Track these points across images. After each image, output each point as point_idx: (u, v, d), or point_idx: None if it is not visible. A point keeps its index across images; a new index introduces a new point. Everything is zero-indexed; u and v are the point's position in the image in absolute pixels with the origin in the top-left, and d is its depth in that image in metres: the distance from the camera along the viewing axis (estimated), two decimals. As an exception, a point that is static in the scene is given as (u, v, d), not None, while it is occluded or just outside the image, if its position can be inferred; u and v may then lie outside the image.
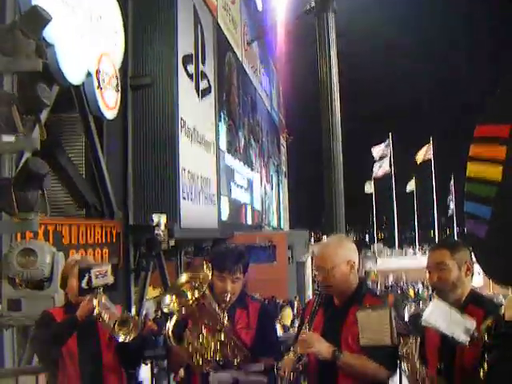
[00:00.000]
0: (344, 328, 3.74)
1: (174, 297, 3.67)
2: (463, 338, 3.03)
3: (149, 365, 5.98)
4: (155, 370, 6.51)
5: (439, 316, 3.17)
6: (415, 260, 46.88)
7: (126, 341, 3.78)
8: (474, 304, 3.40)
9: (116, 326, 3.77)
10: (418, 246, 61.65)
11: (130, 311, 12.49)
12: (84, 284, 3.83)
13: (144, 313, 16.52)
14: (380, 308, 3.47)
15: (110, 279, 3.89)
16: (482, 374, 2.70)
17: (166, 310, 3.74)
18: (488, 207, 2.74)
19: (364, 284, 4.03)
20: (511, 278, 2.58)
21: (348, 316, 3.74)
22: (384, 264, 48.93)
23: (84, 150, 14.85)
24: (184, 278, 3.75)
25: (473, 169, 2.95)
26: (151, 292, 17.04)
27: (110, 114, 13.71)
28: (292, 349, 3.66)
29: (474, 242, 2.87)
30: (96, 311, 3.83)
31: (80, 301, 3.91)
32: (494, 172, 2.70)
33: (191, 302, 3.56)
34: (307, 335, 3.65)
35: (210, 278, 3.63)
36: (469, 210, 2.97)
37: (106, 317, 3.83)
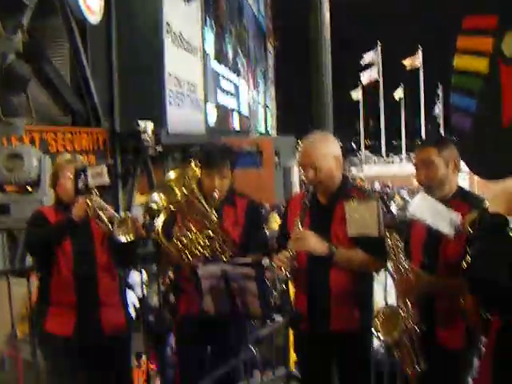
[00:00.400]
0: (333, 225, 3.78)
1: (162, 194, 3.69)
2: (448, 231, 3.08)
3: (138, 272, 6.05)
4: (144, 276, 6.61)
5: (425, 208, 3.21)
6: (402, 167, 47.08)
7: (127, 241, 3.78)
8: (460, 200, 3.44)
9: (115, 226, 3.77)
10: (404, 154, 61.72)
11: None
12: (80, 184, 3.81)
13: (132, 218, 16.61)
14: (368, 200, 3.53)
15: (106, 180, 3.86)
16: (464, 265, 2.75)
17: (154, 207, 3.76)
18: (472, 99, 2.72)
19: (348, 179, 4.05)
20: (492, 171, 2.59)
21: (335, 212, 3.79)
22: (370, 171, 49.18)
23: (68, 57, 14.58)
24: (173, 174, 3.77)
25: (460, 61, 2.92)
26: (139, 198, 17.06)
27: (93, 18, 13.42)
28: (287, 247, 3.65)
29: (459, 134, 2.86)
30: (91, 212, 3.83)
31: (71, 200, 3.91)
32: (480, 64, 2.68)
33: (179, 197, 3.57)
34: (302, 233, 3.65)
35: (198, 174, 3.64)
36: (455, 102, 2.95)
37: (103, 217, 3.84)
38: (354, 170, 50.72)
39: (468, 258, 2.60)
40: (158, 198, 3.69)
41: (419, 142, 3.69)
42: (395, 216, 3.59)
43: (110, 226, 3.81)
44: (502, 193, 2.60)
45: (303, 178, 3.81)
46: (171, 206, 3.65)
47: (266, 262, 3.79)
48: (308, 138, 3.84)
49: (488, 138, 2.54)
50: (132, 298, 9.34)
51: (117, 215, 3.83)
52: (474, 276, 2.42)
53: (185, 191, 3.59)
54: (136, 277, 9.25)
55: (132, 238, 3.79)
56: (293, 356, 5.77)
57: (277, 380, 5.85)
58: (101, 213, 3.84)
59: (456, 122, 2.95)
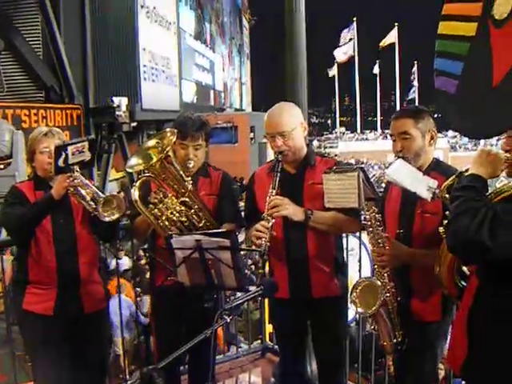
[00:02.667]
0: (304, 192, 3.78)
1: (139, 159, 3.68)
2: (426, 195, 3.10)
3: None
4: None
5: (403, 173, 3.22)
6: (377, 144, 47.31)
7: (111, 220, 3.76)
8: (435, 171, 3.41)
9: (100, 206, 3.73)
10: (379, 131, 61.99)
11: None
12: (60, 162, 3.73)
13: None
14: (348, 170, 3.48)
15: (87, 155, 3.81)
16: (441, 229, 2.79)
17: (130, 170, 3.74)
18: (460, 63, 2.73)
19: (311, 147, 4.03)
20: (481, 130, 2.62)
21: (305, 180, 3.79)
22: (345, 147, 49.36)
23: (41, 31, 14.42)
24: (151, 142, 3.76)
25: (445, 27, 2.91)
26: (114, 174, 17.05)
27: (66, -8, 13.30)
28: (263, 215, 3.63)
29: (444, 98, 2.87)
30: (72, 190, 3.79)
31: (48, 175, 3.87)
32: (468, 29, 2.68)
33: (155, 162, 3.57)
34: (279, 199, 3.64)
35: (173, 141, 3.63)
36: (439, 68, 2.95)
37: (84, 193, 3.80)
38: (329, 146, 51.01)
39: (444, 221, 2.64)
40: (135, 163, 3.67)
41: (395, 114, 3.66)
42: (375, 188, 3.59)
43: (93, 204, 3.78)
44: (483, 156, 2.65)
45: (271, 140, 3.76)
46: (147, 173, 3.64)
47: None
48: (273, 108, 3.85)
49: (476, 98, 2.55)
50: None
51: (101, 194, 3.79)
52: (452, 233, 2.46)
53: (160, 155, 3.58)
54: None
55: (116, 217, 3.77)
56: (268, 329, 5.86)
57: (253, 352, 5.91)
58: (82, 190, 3.80)
59: (440, 85, 2.95)
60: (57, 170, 3.74)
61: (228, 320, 2.71)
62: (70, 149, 3.72)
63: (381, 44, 59.97)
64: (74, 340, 3.95)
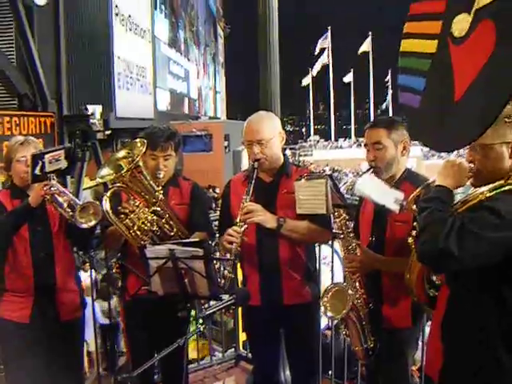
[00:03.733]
0: (278, 201, 3.83)
1: (110, 170, 3.70)
2: (393, 207, 3.18)
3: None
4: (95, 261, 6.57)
5: (371, 186, 3.33)
6: (351, 152, 47.52)
7: (88, 226, 3.76)
8: (408, 181, 3.49)
9: (77, 213, 3.73)
10: (353, 139, 62.30)
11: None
12: (37, 170, 3.73)
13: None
14: (317, 178, 3.57)
15: (64, 164, 3.82)
16: (410, 240, 2.85)
17: (100, 181, 3.76)
18: (422, 78, 2.79)
19: (287, 157, 4.09)
20: (444, 144, 2.69)
21: (279, 189, 3.85)
22: (320, 155, 49.53)
23: (15, 38, 14.34)
24: (121, 153, 3.79)
25: (407, 44, 2.98)
26: (88, 183, 16.93)
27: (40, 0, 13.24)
28: (236, 221, 3.69)
29: (409, 113, 2.94)
30: (49, 198, 3.79)
31: (26, 184, 3.87)
32: (429, 46, 2.75)
33: (125, 172, 3.59)
34: (252, 205, 3.69)
35: (143, 151, 3.66)
36: (403, 83, 3.01)
37: (61, 201, 3.80)
38: (304, 154, 51.13)
39: (413, 232, 2.70)
40: (105, 173, 3.69)
41: (370, 124, 3.74)
42: (344, 195, 3.66)
43: (70, 212, 3.79)
44: (447, 167, 2.72)
45: (249, 148, 3.80)
46: (118, 183, 3.66)
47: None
48: (253, 116, 3.90)
49: (439, 113, 2.62)
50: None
51: (78, 201, 3.80)
52: (421, 243, 2.52)
53: (131, 167, 3.61)
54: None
55: (93, 224, 3.78)
56: (242, 337, 5.88)
57: (227, 361, 5.93)
58: (59, 198, 3.81)
59: (404, 100, 3.01)
60: (33, 179, 3.76)
61: (202, 329, 2.75)
62: (47, 157, 3.74)
63: (360, 52, 60.37)
64: (49, 348, 3.95)
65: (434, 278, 3.04)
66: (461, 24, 2.45)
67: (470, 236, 2.36)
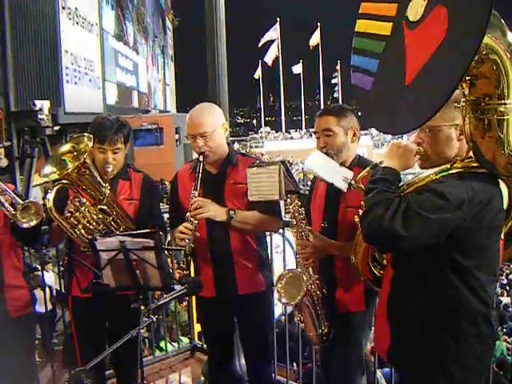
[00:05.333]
0: (225, 193, 3.83)
1: (54, 167, 3.64)
2: (342, 185, 3.22)
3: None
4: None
5: (320, 164, 3.35)
6: (302, 142, 47.72)
7: (29, 226, 3.72)
8: (359, 166, 3.50)
9: (18, 212, 3.69)
10: (304, 130, 62.57)
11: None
12: None
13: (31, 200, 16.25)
14: (270, 164, 3.60)
15: (4, 162, 3.79)
16: (356, 219, 2.89)
17: (44, 180, 3.70)
18: (376, 60, 2.81)
19: (232, 146, 4.08)
20: (394, 127, 2.73)
21: (227, 179, 3.84)
22: (271, 147, 49.64)
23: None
24: (65, 147, 3.71)
25: (362, 25, 2.99)
26: (37, 179, 16.71)
27: (-16, -7, 13.01)
28: (186, 217, 3.65)
29: (360, 94, 2.96)
30: None
31: None
32: (383, 28, 2.77)
33: (71, 170, 3.53)
34: (201, 200, 3.67)
35: (90, 147, 3.60)
36: (355, 64, 3.01)
37: (3, 200, 3.75)
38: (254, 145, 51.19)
39: (360, 211, 2.74)
40: (49, 171, 3.63)
41: (319, 112, 3.78)
42: (296, 181, 3.68)
43: (12, 210, 3.74)
44: (394, 149, 2.77)
45: (192, 142, 3.79)
46: (63, 180, 3.61)
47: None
48: (194, 109, 3.87)
49: (390, 96, 2.65)
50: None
51: (20, 201, 3.75)
52: (367, 223, 2.56)
53: (76, 163, 3.55)
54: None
55: (34, 223, 3.73)
56: (197, 328, 5.89)
57: (182, 352, 5.94)
58: (1, 197, 3.76)
59: (356, 81, 3.03)
60: None
61: (154, 319, 2.75)
62: None
63: (310, 44, 60.52)
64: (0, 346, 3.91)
65: (378, 256, 3.10)
66: (416, 8, 2.48)
67: (416, 217, 2.41)
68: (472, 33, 2.09)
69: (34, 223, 3.70)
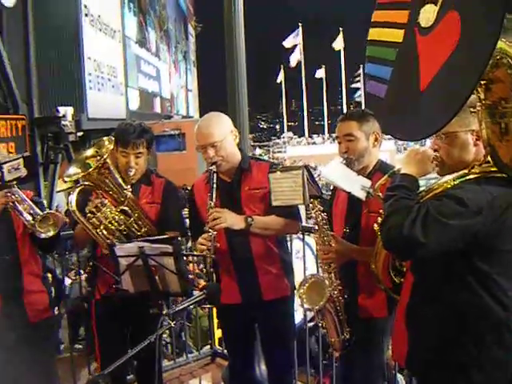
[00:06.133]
0: (242, 199, 3.85)
1: (77, 169, 3.69)
2: (360, 194, 3.23)
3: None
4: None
5: (338, 173, 3.37)
6: (324, 147, 47.55)
7: (47, 237, 3.77)
8: (380, 172, 3.50)
9: (37, 223, 3.74)
10: (326, 134, 62.38)
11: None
12: None
13: (55, 205, 16.40)
14: (293, 169, 3.58)
15: (23, 171, 3.82)
16: (376, 227, 2.88)
17: (67, 180, 3.74)
18: (389, 68, 2.81)
19: (244, 152, 4.07)
20: (410, 133, 2.72)
21: (241, 187, 3.85)
22: (294, 152, 49.51)
23: (-17, 41, 14.22)
24: (89, 151, 3.78)
25: (375, 33, 2.99)
26: (61, 185, 16.82)
27: (8, 1, 13.14)
28: (205, 229, 3.66)
29: (375, 102, 2.96)
30: (11, 206, 3.78)
31: None
32: (395, 35, 2.77)
33: (92, 170, 3.58)
34: (217, 211, 3.68)
35: (110, 149, 3.65)
36: (369, 72, 3.02)
37: (22, 209, 3.80)
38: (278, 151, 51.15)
39: (379, 218, 2.73)
40: (73, 173, 3.69)
41: (341, 117, 3.78)
42: (319, 186, 3.68)
43: (31, 219, 3.78)
44: (412, 155, 2.76)
45: (203, 152, 3.80)
46: (86, 182, 3.66)
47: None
48: (201, 120, 3.88)
49: (405, 102, 2.64)
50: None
51: (38, 211, 3.80)
52: (386, 231, 2.55)
53: (98, 165, 3.60)
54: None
55: (52, 234, 3.78)
56: (218, 334, 5.89)
57: (203, 358, 5.94)
58: (20, 206, 3.81)
59: (371, 89, 3.03)
60: None
61: (172, 325, 2.76)
62: (6, 167, 3.74)
63: (334, 47, 60.31)
64: (20, 351, 3.93)
65: (398, 264, 3.09)
66: (428, 14, 2.47)
67: (435, 224, 2.40)
68: (485, 37, 2.08)
69: (51, 233, 3.76)
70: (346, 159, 3.56)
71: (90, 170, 3.61)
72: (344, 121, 3.71)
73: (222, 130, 3.78)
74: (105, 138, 3.75)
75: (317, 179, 3.70)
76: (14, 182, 3.78)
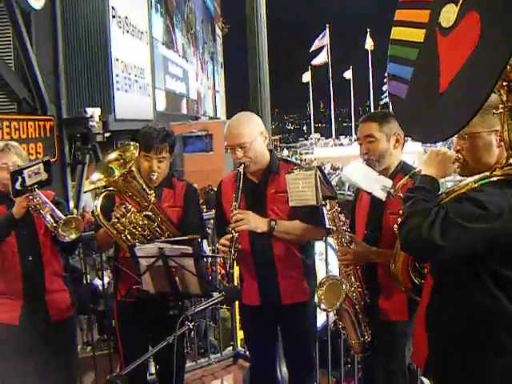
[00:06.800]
0: (267, 202, 3.83)
1: (101, 174, 3.71)
2: (380, 194, 3.20)
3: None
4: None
5: (358, 173, 3.35)
6: (352, 148, 47.37)
7: (69, 240, 3.80)
8: (402, 173, 3.45)
9: (60, 226, 3.77)
10: (354, 136, 62.24)
11: (68, 205, 12.45)
12: (18, 185, 3.75)
13: (82, 205, 16.53)
14: (306, 169, 3.57)
15: (44, 176, 3.84)
16: (396, 228, 2.86)
17: (92, 187, 3.76)
18: (410, 68, 2.79)
19: (273, 154, 4.03)
20: (429, 134, 2.70)
21: (268, 189, 3.84)
22: (321, 153, 49.40)
23: (12, 43, 14.37)
24: (113, 155, 3.78)
25: (397, 32, 2.98)
26: (88, 185, 16.96)
27: (37, 4, 13.27)
28: (227, 229, 3.66)
29: (396, 102, 2.94)
30: (32, 209, 3.82)
31: (8, 189, 3.88)
32: (417, 35, 2.74)
33: (117, 177, 3.59)
34: (242, 213, 3.67)
35: (136, 155, 3.66)
36: (391, 72, 3.00)
37: (44, 212, 3.82)
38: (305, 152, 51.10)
39: (399, 219, 2.71)
40: (97, 178, 3.70)
41: (362, 118, 3.76)
42: (333, 186, 3.65)
43: (53, 222, 3.81)
44: (433, 157, 2.73)
45: (231, 152, 3.79)
46: (110, 187, 3.66)
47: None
48: (232, 120, 3.87)
49: (425, 103, 2.62)
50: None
51: (59, 214, 3.83)
52: (405, 233, 2.53)
53: (123, 171, 3.61)
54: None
55: (74, 237, 3.81)
56: (240, 336, 5.89)
57: (225, 359, 5.94)
58: (42, 209, 3.84)
59: (392, 89, 3.01)
60: (15, 194, 3.79)
61: (191, 326, 2.76)
62: (26, 172, 3.76)
63: (367, 47, 60.17)
64: (41, 349, 3.97)
65: (418, 265, 3.06)
66: (448, 15, 2.45)
67: (454, 226, 2.36)
68: (505, 38, 2.05)
69: (73, 236, 3.81)
70: (367, 160, 3.55)
71: (116, 177, 3.61)
72: (365, 122, 3.69)
73: (252, 130, 3.77)
74: (131, 143, 3.74)
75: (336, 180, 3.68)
76: (35, 186, 3.81)
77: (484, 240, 2.40)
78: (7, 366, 3.96)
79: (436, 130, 2.56)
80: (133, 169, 3.63)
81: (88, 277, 5.87)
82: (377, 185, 3.22)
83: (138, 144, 3.74)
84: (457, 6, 2.41)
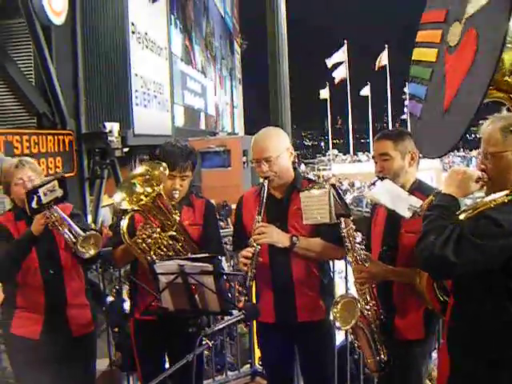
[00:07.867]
0: (289, 218, 3.83)
1: (124, 194, 3.69)
2: (406, 213, 3.15)
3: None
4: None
5: (385, 192, 3.31)
6: (369, 165, 47.23)
7: (89, 256, 3.80)
8: (419, 191, 3.46)
9: (79, 243, 3.78)
10: (372, 152, 62.18)
11: (86, 220, 12.49)
12: (34, 204, 3.77)
13: (100, 220, 16.57)
14: (320, 187, 3.56)
15: (59, 192, 3.86)
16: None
17: (117, 207, 3.75)
18: (425, 87, 2.82)
19: (298, 171, 4.05)
20: (436, 152, 2.71)
21: (291, 205, 3.84)
22: (339, 169, 49.34)
23: (33, 57, 14.48)
24: (140, 170, 3.77)
25: (416, 53, 3.03)
26: (107, 200, 17.00)
27: (57, 20, 13.36)
28: (249, 242, 3.68)
29: (413, 121, 2.97)
30: (51, 225, 3.83)
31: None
32: (431, 54, 2.78)
33: (146, 199, 3.59)
34: (264, 226, 3.68)
35: (166, 176, 3.65)
36: (411, 92, 3.04)
37: (62, 228, 3.83)
38: (323, 168, 51.06)
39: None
40: (120, 199, 3.69)
41: (377, 136, 3.77)
42: (348, 204, 3.64)
43: (73, 238, 3.82)
44: (454, 176, 2.72)
45: (257, 166, 3.78)
46: (135, 206, 3.65)
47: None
48: (259, 134, 3.87)
49: (433, 122, 2.66)
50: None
51: (78, 230, 3.83)
52: (420, 250, 2.52)
53: (149, 190, 3.60)
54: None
55: (93, 253, 3.81)
56: (258, 353, 5.86)
57: (242, 377, 5.91)
58: (60, 226, 3.84)
59: (411, 109, 3.05)
60: (32, 212, 3.82)
61: (210, 344, 2.74)
62: (41, 190, 3.79)
63: (377, 65, 60.17)
64: (61, 364, 3.96)
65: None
66: (454, 33, 2.49)
67: (468, 244, 2.38)
68: (495, 46, 2.08)
69: (92, 252, 3.82)
70: (381, 178, 3.53)
71: (145, 201, 3.61)
72: (379, 140, 3.70)
73: (279, 145, 3.78)
74: (162, 164, 3.71)
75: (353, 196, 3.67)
76: (52, 203, 3.81)
77: (499, 257, 2.42)
78: (25, 380, 3.96)
79: (440, 148, 2.58)
80: (161, 192, 3.63)
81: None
82: (403, 203, 3.19)
83: (165, 165, 3.72)
84: (460, 23, 2.44)
